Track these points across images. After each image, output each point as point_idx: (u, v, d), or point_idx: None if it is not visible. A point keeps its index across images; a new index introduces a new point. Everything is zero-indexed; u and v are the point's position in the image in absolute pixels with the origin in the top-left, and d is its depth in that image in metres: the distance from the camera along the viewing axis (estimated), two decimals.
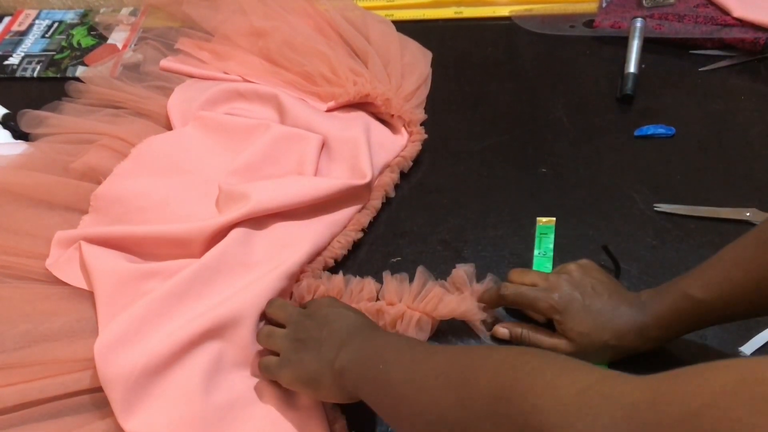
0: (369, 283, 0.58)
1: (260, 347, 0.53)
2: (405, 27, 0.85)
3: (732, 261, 0.44)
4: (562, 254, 0.61)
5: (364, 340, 0.45)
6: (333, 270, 0.62)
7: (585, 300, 0.50)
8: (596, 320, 0.49)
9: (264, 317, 0.54)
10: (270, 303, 0.54)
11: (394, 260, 0.62)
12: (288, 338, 0.49)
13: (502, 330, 0.54)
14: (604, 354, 0.50)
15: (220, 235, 0.59)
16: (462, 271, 0.57)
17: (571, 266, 0.54)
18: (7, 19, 0.96)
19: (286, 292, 0.57)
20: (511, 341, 0.54)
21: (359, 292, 0.57)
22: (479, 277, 0.57)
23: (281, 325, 0.52)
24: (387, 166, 0.69)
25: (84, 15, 0.97)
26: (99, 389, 0.49)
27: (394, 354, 0.42)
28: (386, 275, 0.58)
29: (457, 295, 0.55)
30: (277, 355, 0.50)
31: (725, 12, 0.80)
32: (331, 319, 0.48)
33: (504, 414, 0.31)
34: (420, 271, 0.57)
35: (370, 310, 0.55)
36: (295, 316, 0.51)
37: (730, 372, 0.23)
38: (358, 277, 0.58)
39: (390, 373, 0.40)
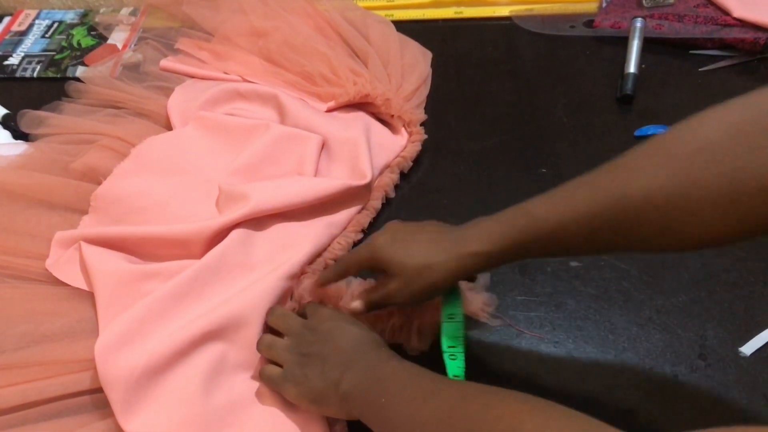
0: (370, 285, 0.57)
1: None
2: (405, 27, 0.85)
3: (579, 184, 0.42)
4: None
5: (368, 367, 0.45)
6: None
7: (405, 236, 0.50)
8: (414, 246, 0.48)
9: (264, 323, 0.54)
10: (271, 311, 0.53)
11: None
12: (290, 351, 0.49)
13: (354, 304, 0.52)
14: (432, 280, 0.47)
15: (220, 235, 0.59)
16: None
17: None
18: (7, 19, 0.96)
19: (286, 293, 0.57)
20: (368, 309, 0.52)
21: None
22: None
23: (281, 335, 0.52)
24: (387, 166, 0.69)
25: (84, 15, 0.97)
26: (99, 390, 0.49)
27: (396, 388, 0.42)
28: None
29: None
30: (278, 364, 0.50)
31: (725, 12, 0.80)
32: (334, 335, 0.48)
33: None
34: None
35: (369, 318, 0.55)
36: (297, 328, 0.50)
37: None
38: (359, 279, 0.58)
39: (392, 409, 0.40)
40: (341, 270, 0.54)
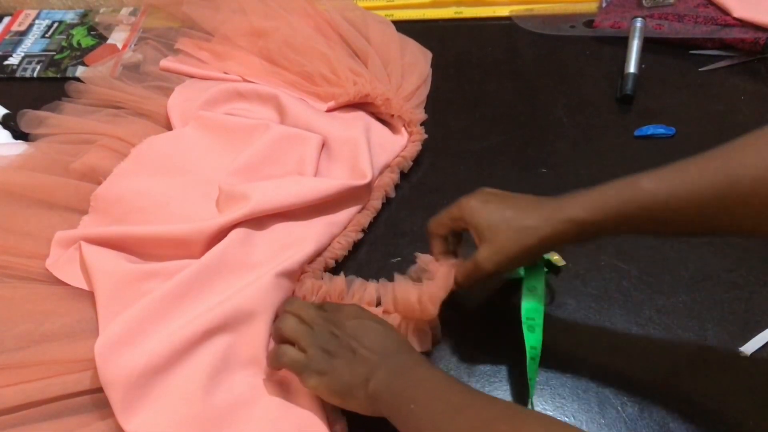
0: (371, 288, 0.57)
1: (262, 347, 0.53)
2: (405, 27, 0.85)
3: (690, 162, 0.41)
4: (562, 254, 0.61)
5: (398, 368, 0.45)
6: (333, 270, 0.62)
7: (497, 199, 0.49)
8: (507, 210, 0.48)
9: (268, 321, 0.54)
10: (290, 302, 0.53)
11: (395, 260, 0.62)
12: (315, 340, 0.48)
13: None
14: (526, 244, 0.46)
15: (220, 235, 0.59)
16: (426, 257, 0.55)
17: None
18: (7, 19, 0.96)
19: (286, 293, 0.57)
20: (457, 285, 0.51)
21: (362, 294, 0.57)
22: None
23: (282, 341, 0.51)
24: (387, 166, 0.69)
25: (84, 15, 0.97)
26: (99, 390, 0.49)
27: (426, 398, 0.42)
28: (386, 283, 0.58)
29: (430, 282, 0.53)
30: (291, 344, 0.49)
31: (725, 12, 0.80)
32: (362, 332, 0.48)
33: None
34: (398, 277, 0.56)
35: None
36: (321, 320, 0.50)
37: None
38: (360, 279, 0.58)
39: (420, 419, 0.41)
40: (431, 229, 0.53)
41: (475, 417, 0.38)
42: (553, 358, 0.53)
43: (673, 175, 0.41)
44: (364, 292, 0.57)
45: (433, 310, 0.51)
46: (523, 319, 0.50)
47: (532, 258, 0.49)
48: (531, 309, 0.50)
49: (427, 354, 0.54)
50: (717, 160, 0.40)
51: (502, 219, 0.47)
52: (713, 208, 0.39)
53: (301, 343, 0.49)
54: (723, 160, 0.40)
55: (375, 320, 0.50)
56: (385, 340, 0.48)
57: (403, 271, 0.57)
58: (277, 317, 0.54)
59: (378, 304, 0.57)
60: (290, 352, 0.49)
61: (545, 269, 0.52)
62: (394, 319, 0.54)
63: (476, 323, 0.57)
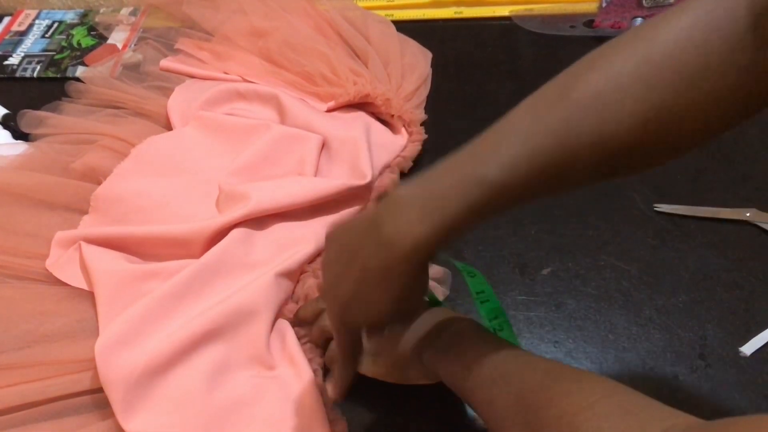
0: None
1: (263, 346, 0.53)
2: (405, 27, 0.85)
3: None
4: (561, 255, 0.61)
5: (448, 337, 0.45)
6: None
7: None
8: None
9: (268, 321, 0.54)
10: (319, 299, 0.53)
11: None
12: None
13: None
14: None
15: (220, 235, 0.59)
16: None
17: None
18: (7, 19, 0.96)
19: (286, 293, 0.57)
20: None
21: None
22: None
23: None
24: (387, 166, 0.69)
25: (84, 15, 0.97)
26: (100, 390, 0.49)
27: (477, 363, 0.41)
28: None
29: None
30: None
31: None
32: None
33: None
34: None
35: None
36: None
37: None
38: None
39: (474, 387, 0.40)
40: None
41: (524, 382, 0.37)
42: (553, 359, 0.53)
43: (512, 160, 0.35)
44: None
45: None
46: (489, 324, 0.49)
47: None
48: (491, 310, 0.50)
49: None
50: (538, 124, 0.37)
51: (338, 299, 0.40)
52: (550, 176, 0.35)
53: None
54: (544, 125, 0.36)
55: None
56: (429, 313, 0.47)
57: None
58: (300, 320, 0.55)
59: None
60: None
61: (478, 273, 0.51)
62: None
63: None
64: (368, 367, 0.48)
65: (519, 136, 0.36)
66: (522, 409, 0.35)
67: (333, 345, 0.50)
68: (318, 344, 0.53)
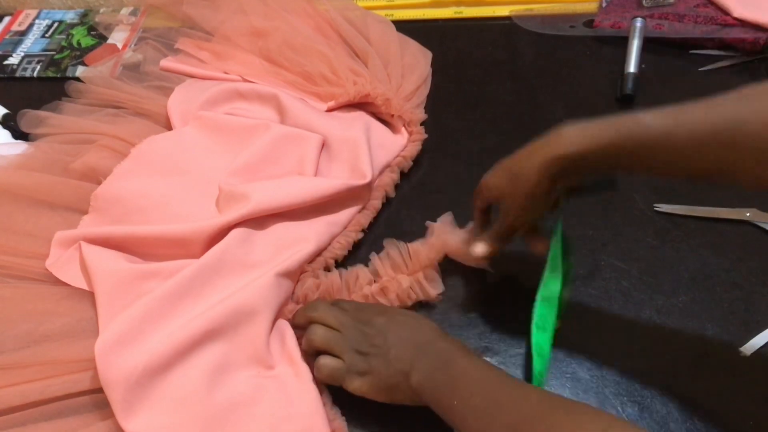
0: (362, 270, 0.59)
1: (263, 346, 0.53)
2: (405, 27, 0.85)
3: (694, 104, 0.41)
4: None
5: (437, 362, 0.45)
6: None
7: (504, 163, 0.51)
8: (507, 161, 0.51)
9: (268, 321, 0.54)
10: (313, 306, 0.53)
11: None
12: (349, 343, 0.49)
13: (478, 248, 0.53)
14: (526, 190, 0.47)
15: (220, 235, 0.59)
16: (439, 223, 0.59)
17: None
18: (7, 19, 0.96)
19: (286, 292, 0.57)
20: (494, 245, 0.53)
21: (355, 281, 0.58)
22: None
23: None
24: (387, 166, 0.69)
25: (84, 15, 0.97)
26: (100, 390, 0.49)
27: (468, 393, 0.42)
28: (373, 256, 0.60)
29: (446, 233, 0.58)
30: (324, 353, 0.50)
31: (725, 12, 0.80)
32: (393, 326, 0.49)
33: None
34: (388, 242, 0.60)
35: (375, 292, 0.56)
36: (350, 321, 0.50)
37: None
38: (349, 268, 0.59)
39: (463, 415, 0.41)
40: (473, 203, 0.55)
41: (515, 416, 0.38)
42: (553, 359, 0.53)
43: (676, 112, 0.40)
44: (357, 277, 0.58)
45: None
46: (535, 319, 0.50)
47: (541, 197, 0.47)
48: (543, 313, 0.51)
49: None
50: (725, 103, 0.39)
51: (504, 172, 0.49)
52: (714, 147, 0.38)
53: (335, 349, 0.49)
54: (731, 103, 0.39)
55: (403, 313, 0.50)
56: (418, 331, 0.48)
57: None
58: (294, 325, 0.55)
59: (374, 281, 0.58)
60: (327, 362, 0.49)
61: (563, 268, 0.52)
62: (400, 283, 0.56)
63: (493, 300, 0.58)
64: (355, 386, 0.48)
65: (686, 109, 0.41)
66: None
67: (305, 341, 0.51)
68: (308, 354, 0.52)
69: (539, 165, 0.45)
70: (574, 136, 0.43)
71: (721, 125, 0.38)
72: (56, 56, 0.89)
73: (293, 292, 0.58)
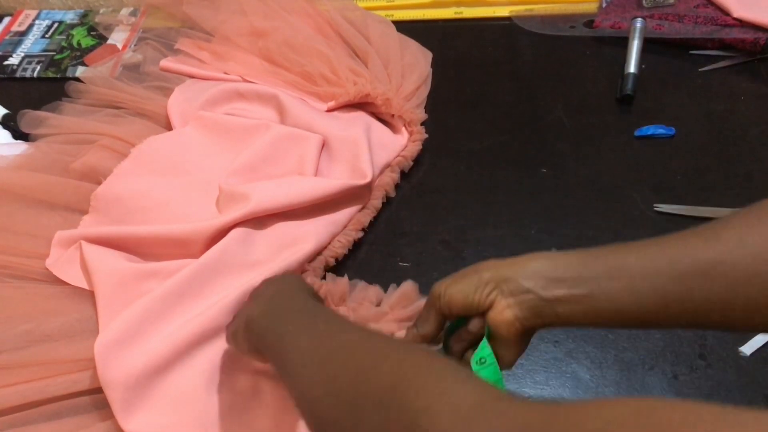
0: (372, 291, 0.57)
1: None
2: (405, 27, 0.85)
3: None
4: None
5: (278, 302, 0.43)
6: (333, 269, 0.62)
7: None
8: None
9: None
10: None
11: (403, 264, 0.62)
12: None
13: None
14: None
15: (220, 235, 0.59)
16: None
17: None
18: (7, 19, 0.96)
19: None
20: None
21: (363, 296, 0.57)
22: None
23: None
24: (387, 165, 0.69)
25: (84, 15, 0.97)
26: (99, 390, 0.49)
27: (306, 319, 0.39)
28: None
29: None
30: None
31: (725, 12, 0.80)
32: (267, 283, 0.47)
33: (396, 407, 0.29)
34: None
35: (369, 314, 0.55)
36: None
37: (627, 405, 0.22)
38: (363, 282, 0.58)
39: (298, 337, 0.37)
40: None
41: (354, 336, 0.35)
42: (554, 359, 0.53)
43: (657, 250, 0.37)
44: (365, 294, 0.57)
45: None
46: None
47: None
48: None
49: None
50: (698, 238, 0.35)
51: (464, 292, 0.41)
52: (695, 292, 0.34)
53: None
54: (702, 244, 0.35)
55: (293, 275, 0.49)
56: (282, 283, 0.46)
57: (410, 274, 0.58)
58: None
59: (378, 304, 0.57)
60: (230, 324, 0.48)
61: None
62: (390, 320, 0.54)
63: None
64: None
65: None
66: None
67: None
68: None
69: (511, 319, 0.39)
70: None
71: (702, 267, 0.34)
72: (56, 56, 0.89)
73: None
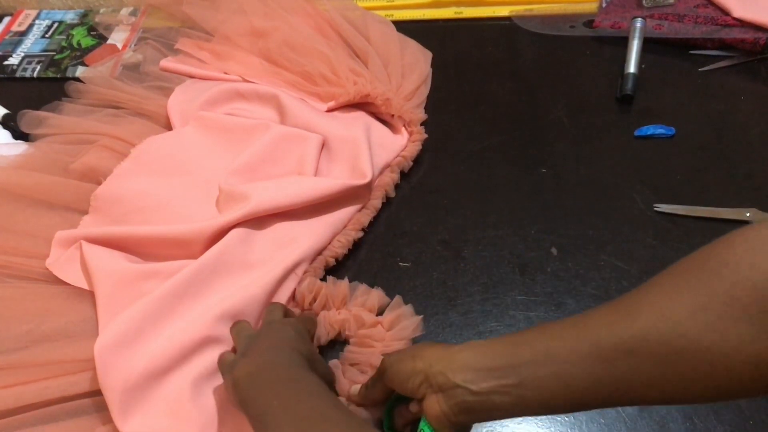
0: (374, 294, 0.57)
1: None
2: (405, 27, 0.85)
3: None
4: (562, 255, 0.61)
5: (270, 363, 0.43)
6: (333, 269, 0.62)
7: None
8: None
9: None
10: (233, 326, 0.52)
11: (403, 264, 0.62)
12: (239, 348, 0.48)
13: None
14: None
15: (220, 235, 0.59)
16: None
17: None
18: (7, 19, 0.96)
19: (286, 292, 0.57)
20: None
21: (364, 300, 0.56)
22: (475, 282, 0.57)
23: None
24: (387, 165, 0.69)
25: (84, 15, 0.97)
26: (98, 392, 0.49)
27: (293, 397, 0.39)
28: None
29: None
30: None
31: (725, 12, 0.80)
32: (266, 331, 0.47)
33: None
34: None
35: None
36: (245, 340, 0.48)
37: None
38: (364, 285, 0.58)
39: (280, 418, 0.38)
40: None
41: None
42: None
43: (579, 331, 0.35)
44: (367, 298, 0.57)
45: None
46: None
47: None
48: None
49: None
50: (619, 321, 0.34)
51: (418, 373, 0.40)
52: (625, 372, 0.33)
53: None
54: (624, 321, 0.34)
55: (285, 323, 0.48)
56: (276, 336, 0.46)
57: (409, 274, 0.57)
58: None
59: (380, 313, 0.56)
60: (224, 355, 0.49)
61: None
62: (389, 342, 0.54)
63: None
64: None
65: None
66: None
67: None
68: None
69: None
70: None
71: (627, 345, 0.33)
72: (56, 56, 0.89)
73: (293, 292, 0.58)
